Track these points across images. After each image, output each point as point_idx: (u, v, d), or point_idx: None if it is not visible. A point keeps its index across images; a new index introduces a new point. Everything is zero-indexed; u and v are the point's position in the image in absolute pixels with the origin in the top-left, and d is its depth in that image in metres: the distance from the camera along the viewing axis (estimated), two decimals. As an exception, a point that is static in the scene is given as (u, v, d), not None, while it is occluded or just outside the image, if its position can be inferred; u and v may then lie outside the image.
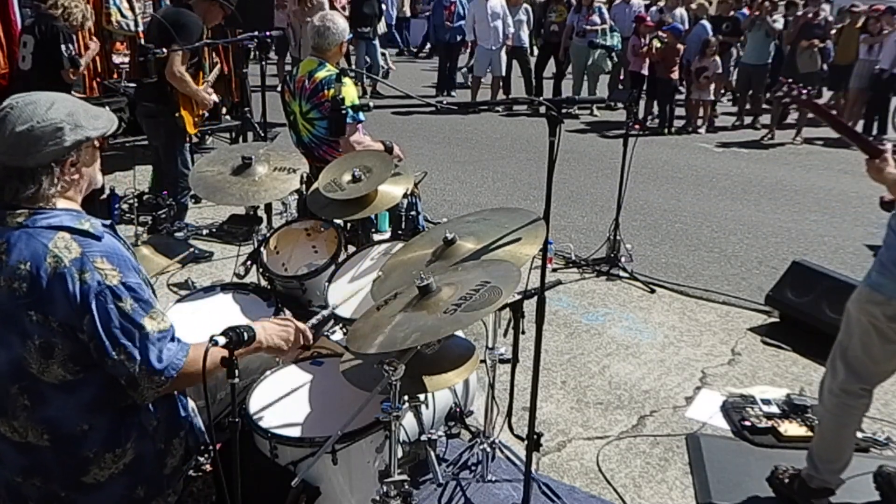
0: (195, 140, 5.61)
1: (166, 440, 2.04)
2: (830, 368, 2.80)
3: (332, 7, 10.82)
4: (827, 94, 11.42)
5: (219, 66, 5.73)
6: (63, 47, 5.24)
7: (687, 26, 11.06)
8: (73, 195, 1.91)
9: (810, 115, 10.42)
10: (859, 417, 2.79)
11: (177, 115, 4.82)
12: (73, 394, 1.86)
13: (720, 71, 10.30)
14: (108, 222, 1.95)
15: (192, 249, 4.95)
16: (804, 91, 2.85)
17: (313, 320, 2.60)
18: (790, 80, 2.95)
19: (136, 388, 1.85)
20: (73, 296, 1.77)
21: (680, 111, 10.64)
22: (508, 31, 10.68)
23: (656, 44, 9.91)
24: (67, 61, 5.28)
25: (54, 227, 1.82)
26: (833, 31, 10.62)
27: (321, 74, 3.93)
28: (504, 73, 11.12)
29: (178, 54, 4.58)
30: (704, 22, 10.55)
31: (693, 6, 11.05)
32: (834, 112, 2.83)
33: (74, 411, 1.87)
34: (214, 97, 5.11)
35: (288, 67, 11.25)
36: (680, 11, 11.30)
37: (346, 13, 10.69)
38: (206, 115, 5.46)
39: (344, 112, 3.47)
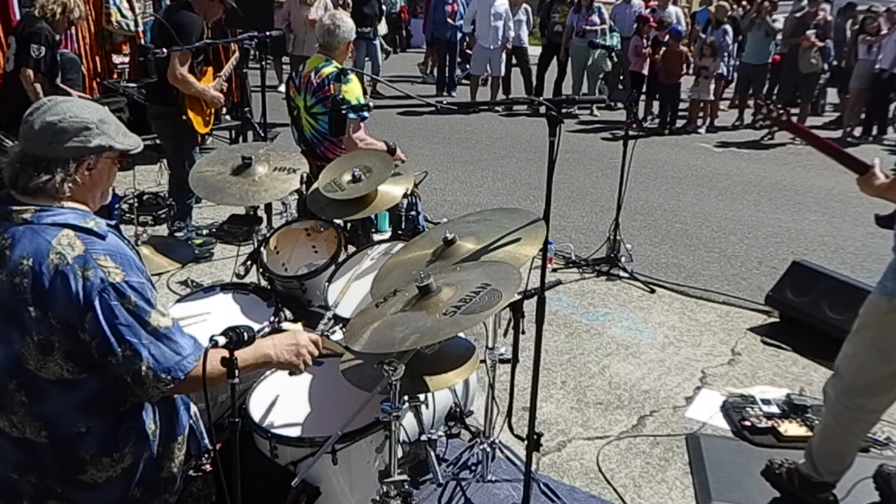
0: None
1: (165, 445, 2.03)
2: (838, 379, 2.73)
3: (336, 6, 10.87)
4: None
5: (237, 54, 5.62)
6: (33, 47, 5.05)
7: (683, 24, 11.05)
8: (82, 198, 1.92)
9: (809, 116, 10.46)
10: (869, 428, 2.77)
11: (184, 117, 4.77)
12: (70, 392, 1.86)
13: (720, 71, 10.30)
14: (112, 223, 1.95)
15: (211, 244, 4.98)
16: (783, 112, 2.87)
17: (320, 326, 2.59)
18: (769, 102, 2.95)
19: (142, 385, 1.84)
20: (75, 293, 1.77)
21: (681, 110, 10.63)
22: (509, 34, 10.67)
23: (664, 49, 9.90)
24: (32, 62, 5.07)
25: (59, 225, 1.83)
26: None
27: (328, 70, 4.01)
28: (503, 73, 11.12)
29: (177, 56, 4.56)
30: (727, 27, 10.49)
31: (711, 8, 11.02)
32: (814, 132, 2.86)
33: (71, 410, 1.87)
34: (220, 96, 5.02)
35: (286, 67, 11.25)
36: (674, 10, 11.26)
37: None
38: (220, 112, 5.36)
39: (344, 112, 3.48)
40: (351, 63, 11.20)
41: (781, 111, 2.89)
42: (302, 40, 10.13)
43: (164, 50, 4.44)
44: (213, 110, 5.07)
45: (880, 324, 2.60)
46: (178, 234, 5.08)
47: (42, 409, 1.87)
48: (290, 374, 2.23)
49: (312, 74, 4.03)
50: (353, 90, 3.83)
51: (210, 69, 4.99)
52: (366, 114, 3.91)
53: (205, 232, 5.39)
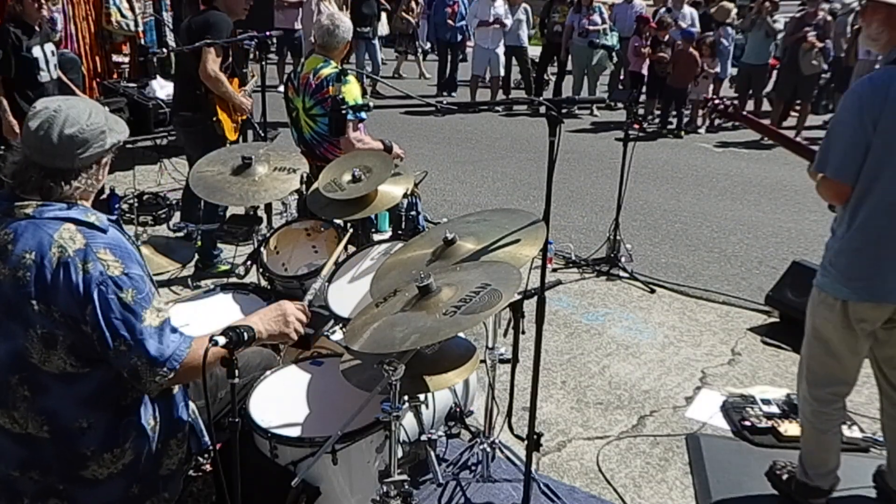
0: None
1: (164, 441, 2.04)
2: (800, 375, 2.83)
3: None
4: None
5: (256, 79, 5.46)
6: None
7: (697, 26, 11.00)
8: (92, 190, 1.96)
9: (810, 115, 10.45)
10: (836, 422, 2.79)
11: (214, 119, 4.60)
12: (72, 386, 1.87)
13: (718, 70, 10.29)
14: (113, 217, 1.98)
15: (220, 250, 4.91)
16: (729, 104, 3.00)
17: (308, 296, 2.58)
18: (713, 97, 3.10)
19: (140, 379, 1.85)
20: (75, 286, 1.78)
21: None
22: (503, 19, 10.61)
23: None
24: None
25: (60, 219, 1.84)
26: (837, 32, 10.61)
27: (326, 71, 4.00)
28: (503, 73, 11.10)
29: (211, 52, 4.42)
30: (729, 29, 10.45)
31: (712, 10, 10.98)
32: (765, 121, 3.10)
33: (73, 405, 1.88)
34: (248, 101, 4.85)
35: (288, 66, 11.26)
36: (689, 11, 11.19)
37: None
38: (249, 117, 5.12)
39: (344, 112, 3.47)
40: (354, 63, 11.23)
41: (728, 104, 3.02)
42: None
43: (165, 50, 4.41)
44: (241, 118, 4.87)
45: (815, 315, 2.70)
46: (178, 234, 5.06)
47: (44, 403, 1.87)
48: (294, 344, 2.21)
49: (311, 76, 4.02)
50: (351, 91, 3.82)
51: (236, 80, 4.89)
52: (363, 115, 3.91)
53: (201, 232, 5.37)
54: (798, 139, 2.91)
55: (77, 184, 1.88)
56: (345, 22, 4.16)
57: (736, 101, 3.16)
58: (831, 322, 2.62)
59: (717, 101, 3.05)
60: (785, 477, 2.94)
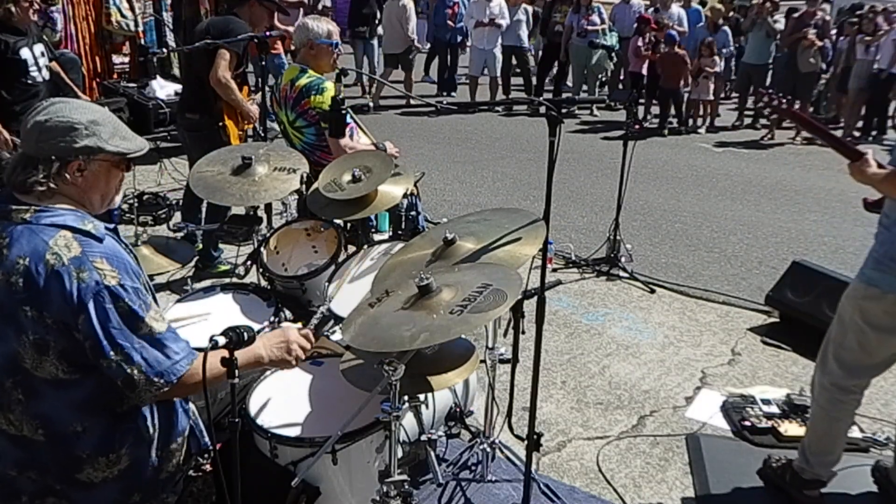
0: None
1: (164, 447, 2.03)
2: (821, 364, 2.82)
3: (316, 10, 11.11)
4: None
5: (260, 95, 5.45)
6: None
7: (685, 25, 11.02)
8: (78, 198, 1.92)
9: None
10: (852, 412, 2.81)
11: (220, 124, 4.52)
12: (66, 392, 1.87)
13: (719, 70, 10.29)
14: (111, 226, 1.96)
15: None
16: (784, 100, 2.94)
17: (313, 320, 2.59)
18: (770, 91, 3.04)
19: (134, 389, 1.84)
20: (69, 294, 1.77)
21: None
22: (499, 20, 10.61)
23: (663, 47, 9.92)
24: None
25: (57, 226, 1.83)
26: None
27: (302, 82, 3.84)
28: (500, 73, 11.08)
29: (225, 58, 4.34)
30: (726, 29, 10.49)
31: (707, 12, 11.01)
32: (812, 120, 3.09)
33: (67, 410, 1.88)
34: (255, 110, 4.77)
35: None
36: (677, 10, 11.22)
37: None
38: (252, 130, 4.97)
39: (344, 112, 3.46)
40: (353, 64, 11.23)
41: (781, 98, 2.96)
42: (394, 37, 10.58)
43: (164, 50, 4.39)
44: (247, 126, 4.81)
45: (856, 309, 2.69)
46: (178, 235, 5.06)
47: (38, 407, 1.87)
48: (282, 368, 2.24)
49: (288, 88, 3.87)
50: (328, 99, 3.70)
51: (246, 88, 4.83)
52: (347, 118, 3.80)
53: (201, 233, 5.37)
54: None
55: (34, 175, 1.83)
56: (322, 26, 3.95)
57: (789, 97, 3.05)
58: (876, 316, 2.62)
59: (771, 95, 2.95)
60: (779, 470, 2.94)
